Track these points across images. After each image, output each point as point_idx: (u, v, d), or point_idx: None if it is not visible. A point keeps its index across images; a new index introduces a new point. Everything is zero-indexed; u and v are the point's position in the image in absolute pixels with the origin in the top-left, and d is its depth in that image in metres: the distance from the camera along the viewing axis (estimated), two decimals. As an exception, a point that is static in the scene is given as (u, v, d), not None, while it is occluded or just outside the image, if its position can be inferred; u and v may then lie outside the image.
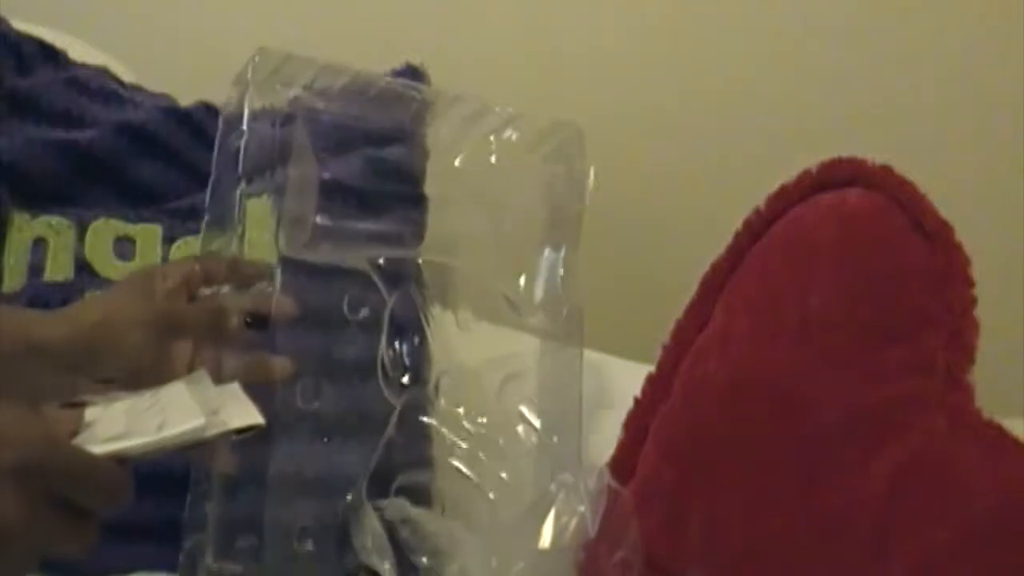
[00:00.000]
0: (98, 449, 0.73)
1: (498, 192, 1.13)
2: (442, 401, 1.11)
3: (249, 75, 1.00)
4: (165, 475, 1.09)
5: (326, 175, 1.19)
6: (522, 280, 1.15)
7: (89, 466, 0.72)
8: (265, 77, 1.02)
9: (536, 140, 1.15)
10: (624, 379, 1.18)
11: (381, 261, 1.11)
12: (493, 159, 1.12)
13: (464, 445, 1.11)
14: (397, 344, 1.12)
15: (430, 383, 1.11)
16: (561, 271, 1.15)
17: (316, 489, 1.07)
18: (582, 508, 0.98)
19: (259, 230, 1.10)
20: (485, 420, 1.12)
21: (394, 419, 1.09)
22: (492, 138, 1.13)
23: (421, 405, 1.11)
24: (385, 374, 1.09)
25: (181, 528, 1.06)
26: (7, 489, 0.67)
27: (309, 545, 1.05)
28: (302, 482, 1.07)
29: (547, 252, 1.15)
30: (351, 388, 1.12)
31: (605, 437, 1.16)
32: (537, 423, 1.13)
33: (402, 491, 1.08)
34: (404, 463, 1.09)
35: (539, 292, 1.15)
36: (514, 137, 1.13)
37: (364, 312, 1.11)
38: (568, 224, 1.15)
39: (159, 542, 1.09)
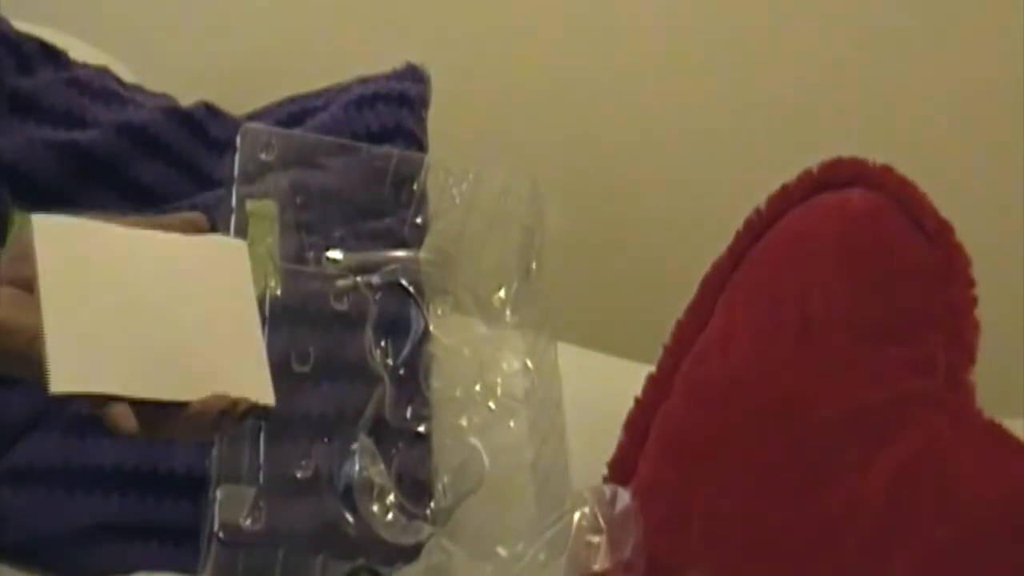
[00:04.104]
0: None
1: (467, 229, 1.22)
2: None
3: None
4: (166, 475, 1.09)
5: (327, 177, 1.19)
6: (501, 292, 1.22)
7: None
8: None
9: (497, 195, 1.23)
10: (624, 379, 1.18)
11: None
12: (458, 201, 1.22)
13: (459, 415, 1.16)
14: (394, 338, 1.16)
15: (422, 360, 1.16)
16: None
17: (313, 427, 1.09)
18: (598, 539, 0.98)
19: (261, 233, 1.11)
20: (478, 388, 1.17)
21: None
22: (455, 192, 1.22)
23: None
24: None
25: (183, 526, 1.07)
26: None
27: (308, 471, 1.07)
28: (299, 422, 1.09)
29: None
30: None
31: (604, 438, 1.16)
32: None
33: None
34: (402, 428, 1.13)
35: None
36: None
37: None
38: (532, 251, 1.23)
39: (160, 542, 1.09)
